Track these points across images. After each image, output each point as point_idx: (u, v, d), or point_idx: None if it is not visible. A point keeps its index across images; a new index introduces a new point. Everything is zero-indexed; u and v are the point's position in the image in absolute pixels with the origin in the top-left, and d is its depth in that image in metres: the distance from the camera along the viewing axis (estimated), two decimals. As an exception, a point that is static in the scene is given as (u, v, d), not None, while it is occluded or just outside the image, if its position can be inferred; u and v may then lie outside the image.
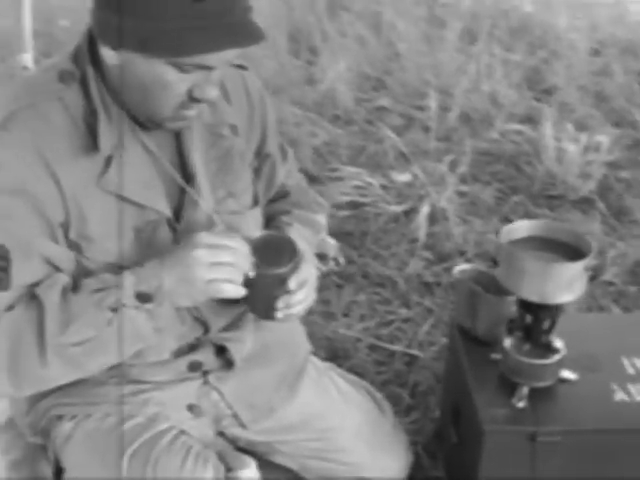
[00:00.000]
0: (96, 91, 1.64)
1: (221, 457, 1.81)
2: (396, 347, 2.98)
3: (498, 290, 2.16)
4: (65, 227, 1.64)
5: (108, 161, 1.64)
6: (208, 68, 1.57)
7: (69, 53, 1.68)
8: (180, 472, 1.71)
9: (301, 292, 1.74)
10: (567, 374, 2.16)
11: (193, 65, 1.54)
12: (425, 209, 3.71)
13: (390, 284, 3.36)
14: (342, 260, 2.10)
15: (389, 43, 5.54)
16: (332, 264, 2.06)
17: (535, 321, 2.07)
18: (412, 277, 3.40)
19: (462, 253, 3.53)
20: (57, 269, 1.65)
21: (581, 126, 4.56)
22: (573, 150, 4.20)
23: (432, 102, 4.61)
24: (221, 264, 1.60)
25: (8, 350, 1.58)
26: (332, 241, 2.10)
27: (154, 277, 1.60)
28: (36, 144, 1.59)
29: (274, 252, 1.70)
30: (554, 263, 1.97)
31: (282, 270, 1.68)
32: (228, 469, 1.78)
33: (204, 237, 1.61)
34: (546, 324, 2.08)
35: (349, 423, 2.13)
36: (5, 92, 1.69)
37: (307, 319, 2.95)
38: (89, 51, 1.65)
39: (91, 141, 1.63)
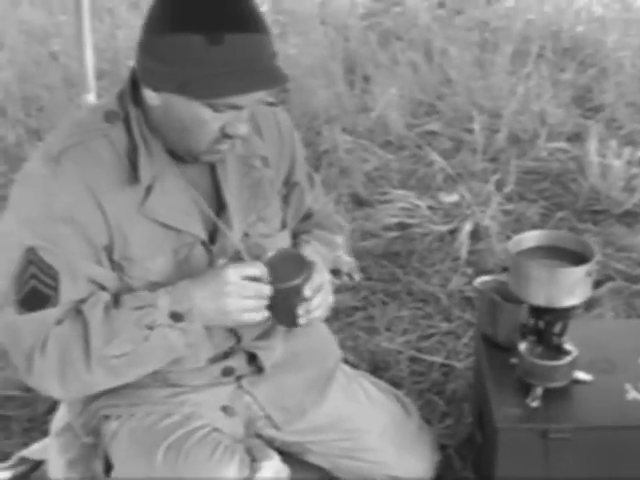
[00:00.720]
0: (137, 129, 1.86)
1: (248, 451, 1.99)
2: (435, 358, 3.12)
3: (516, 299, 2.30)
4: (109, 250, 1.86)
5: (148, 190, 1.86)
6: (239, 108, 1.79)
7: (115, 94, 1.92)
8: (208, 461, 1.90)
9: (317, 298, 1.92)
10: (582, 375, 2.29)
11: (226, 105, 1.77)
12: (468, 227, 3.85)
13: (433, 300, 3.51)
14: (357, 276, 2.26)
15: (441, 69, 5.67)
16: (346, 279, 2.22)
17: (546, 325, 2.21)
18: (454, 293, 3.53)
19: (505, 269, 3.65)
20: (102, 287, 1.87)
21: (628, 142, 4.64)
22: (617, 165, 4.29)
23: (477, 125, 4.73)
24: (249, 296, 1.82)
25: (58, 359, 1.79)
26: (348, 259, 2.27)
27: (186, 299, 1.81)
28: (84, 177, 1.81)
29: (288, 266, 1.89)
30: (556, 269, 2.11)
31: (295, 282, 1.87)
32: (253, 460, 1.95)
33: (233, 272, 1.82)
34: (557, 328, 2.22)
35: (375, 424, 2.31)
36: (58, 130, 1.92)
37: (352, 334, 3.13)
38: (132, 92, 1.88)
39: (132, 173, 1.85)
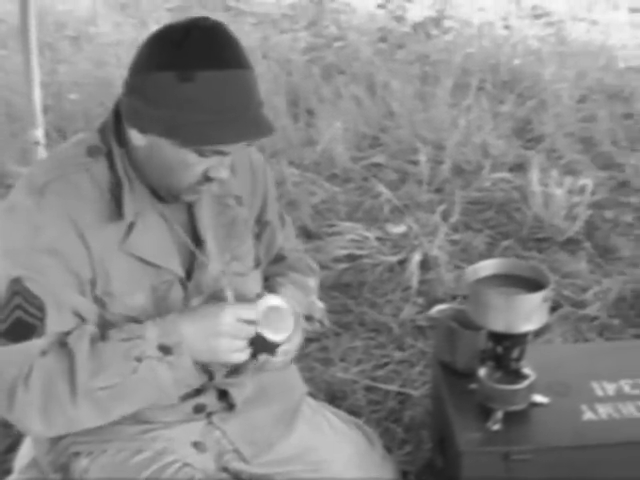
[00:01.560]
0: (121, 165, 1.88)
1: (220, 484, 2.02)
2: (391, 387, 3.17)
3: (474, 326, 2.37)
4: (92, 284, 1.87)
5: (130, 227, 1.88)
6: (224, 154, 1.83)
7: (96, 128, 1.94)
8: (183, 496, 1.91)
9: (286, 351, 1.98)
10: (539, 398, 2.34)
11: (212, 151, 1.80)
12: (417, 257, 3.92)
13: (385, 330, 3.56)
14: (327, 322, 2.33)
15: (383, 102, 5.77)
16: (318, 325, 2.29)
17: (504, 350, 2.27)
18: (406, 322, 3.60)
19: (454, 297, 3.73)
20: (84, 320, 1.87)
21: (568, 171, 4.78)
22: (559, 194, 4.40)
23: (422, 156, 4.83)
24: (241, 337, 1.86)
25: (42, 392, 1.78)
26: (320, 304, 2.34)
27: (175, 333, 1.82)
28: (68, 210, 1.82)
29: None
30: (514, 296, 2.18)
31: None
32: (225, 495, 1.98)
33: (230, 313, 1.84)
34: (515, 353, 2.28)
35: (340, 455, 2.33)
36: (40, 163, 1.95)
37: (308, 365, 3.17)
38: (115, 128, 1.89)
39: (115, 209, 1.86)
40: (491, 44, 6.79)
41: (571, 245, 4.23)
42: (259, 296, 1.96)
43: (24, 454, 2.37)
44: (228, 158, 1.86)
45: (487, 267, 2.32)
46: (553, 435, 2.27)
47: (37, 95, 3.89)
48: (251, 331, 1.86)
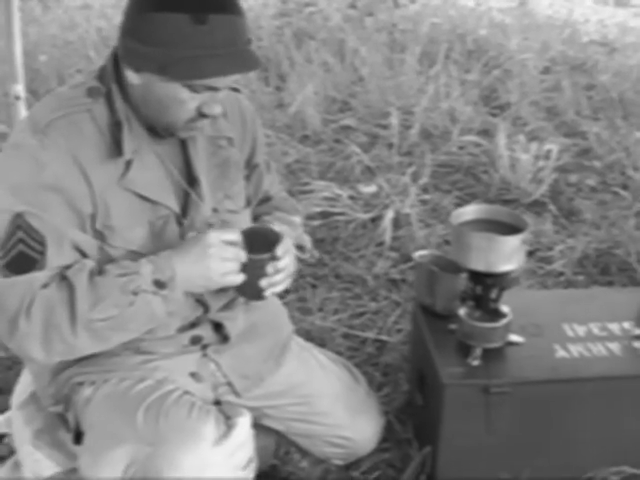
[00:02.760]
0: (120, 105, 1.98)
1: (220, 410, 2.12)
2: (367, 334, 3.30)
3: (453, 269, 2.50)
4: (92, 219, 1.96)
5: (128, 164, 1.98)
6: (215, 89, 1.93)
7: (94, 72, 2.03)
8: (187, 419, 2.01)
9: (281, 274, 2.07)
10: (515, 338, 2.49)
11: (203, 86, 1.90)
12: (390, 214, 4.05)
13: (360, 282, 3.68)
14: (316, 253, 2.43)
15: (353, 68, 5.87)
16: (309, 255, 2.39)
17: (484, 290, 2.41)
18: (380, 275, 3.72)
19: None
20: (83, 255, 1.97)
21: (533, 138, 4.92)
22: (525, 159, 4.55)
23: (394, 120, 4.95)
24: (229, 259, 1.96)
25: (43, 322, 1.87)
26: (307, 237, 2.45)
27: (168, 268, 1.93)
28: (70, 148, 1.91)
29: (259, 240, 2.04)
30: (496, 237, 2.31)
31: (266, 255, 2.01)
32: (227, 417, 2.08)
33: (214, 236, 1.96)
34: (494, 293, 2.41)
35: (328, 390, 2.46)
36: (42, 104, 2.02)
37: (287, 314, 3.27)
38: (113, 70, 1.99)
39: (114, 147, 1.96)
40: (457, 15, 6.90)
41: (537, 207, 4.37)
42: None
43: (21, 390, 2.45)
44: (220, 94, 1.95)
45: (470, 212, 2.46)
46: (530, 370, 2.42)
47: (18, 52, 3.93)
48: (238, 252, 1.96)
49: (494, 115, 5.38)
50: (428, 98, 5.37)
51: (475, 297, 2.44)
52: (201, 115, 1.96)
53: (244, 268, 1.98)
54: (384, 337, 3.28)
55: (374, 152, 4.90)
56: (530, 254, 3.84)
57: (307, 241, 2.43)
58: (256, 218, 2.37)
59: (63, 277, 1.91)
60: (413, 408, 2.75)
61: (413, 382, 2.76)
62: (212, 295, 2.16)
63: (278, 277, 2.07)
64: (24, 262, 1.89)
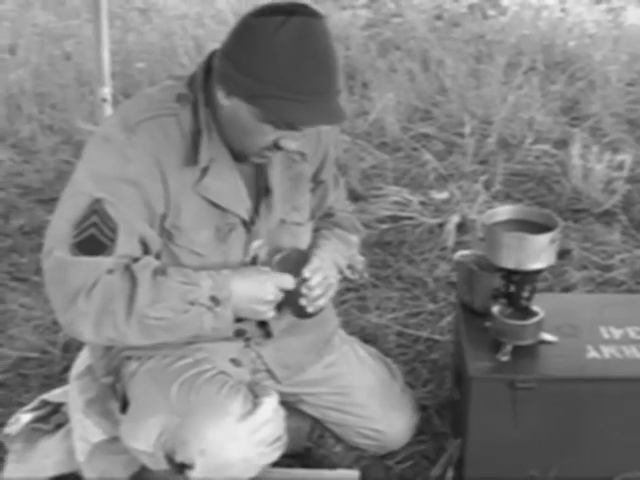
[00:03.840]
0: (204, 116, 2.12)
1: (251, 389, 2.25)
2: (420, 333, 3.39)
3: (491, 268, 2.58)
4: (163, 218, 2.12)
5: (204, 171, 2.13)
6: (297, 129, 2.05)
7: (185, 78, 2.18)
8: (217, 396, 2.16)
9: (317, 289, 2.25)
10: (548, 337, 2.55)
11: (287, 125, 2.02)
12: (455, 219, 4.13)
13: (420, 284, 3.78)
14: (366, 275, 2.56)
15: (436, 78, 5.95)
16: (357, 276, 2.53)
17: (516, 288, 2.48)
18: (440, 278, 3.81)
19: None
20: (146, 250, 2.12)
21: (611, 149, 4.91)
22: (598, 169, 4.56)
23: (468, 129, 5.02)
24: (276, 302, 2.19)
25: (100, 306, 2.02)
26: (361, 258, 2.58)
27: (226, 288, 2.10)
28: (155, 150, 2.07)
29: (292, 265, 2.24)
30: (525, 235, 2.39)
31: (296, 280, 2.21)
32: (255, 396, 2.21)
33: (273, 284, 2.18)
34: (525, 292, 2.49)
35: (364, 383, 2.58)
36: (133, 102, 2.19)
37: (345, 311, 3.40)
38: (203, 81, 2.13)
39: (193, 154, 2.11)
40: (546, 26, 6.91)
41: (607, 217, 4.38)
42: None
43: (80, 363, 2.64)
44: (299, 134, 2.08)
45: (502, 212, 2.54)
46: (557, 368, 2.48)
47: (106, 58, 4.13)
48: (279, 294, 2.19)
49: (573, 126, 5.39)
50: (508, 108, 5.41)
51: (507, 295, 2.51)
52: (276, 147, 2.08)
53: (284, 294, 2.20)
54: (436, 336, 3.36)
55: (450, 160, 4.98)
56: (592, 263, 3.87)
57: (360, 262, 2.55)
58: (316, 231, 2.50)
59: (127, 268, 2.05)
60: (452, 403, 2.83)
61: (453, 378, 2.84)
62: None
63: (314, 293, 2.25)
64: (94, 245, 2.03)
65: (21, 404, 2.89)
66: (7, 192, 4.84)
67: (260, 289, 2.15)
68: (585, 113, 5.59)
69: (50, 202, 4.53)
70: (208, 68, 2.12)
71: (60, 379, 3.06)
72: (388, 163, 4.95)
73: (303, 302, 2.25)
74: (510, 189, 4.66)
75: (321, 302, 2.29)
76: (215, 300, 2.08)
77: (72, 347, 3.29)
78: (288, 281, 2.19)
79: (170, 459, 2.15)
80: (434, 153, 5.00)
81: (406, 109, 5.62)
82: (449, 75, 5.92)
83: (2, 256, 4.15)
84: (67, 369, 2.97)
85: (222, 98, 2.04)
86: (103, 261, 2.03)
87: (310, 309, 2.27)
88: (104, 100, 4.23)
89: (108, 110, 4.23)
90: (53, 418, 2.71)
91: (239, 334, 2.34)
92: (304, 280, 2.22)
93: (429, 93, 5.82)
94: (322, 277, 2.27)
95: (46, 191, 4.78)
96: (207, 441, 2.07)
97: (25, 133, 5.54)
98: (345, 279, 2.51)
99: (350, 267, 2.49)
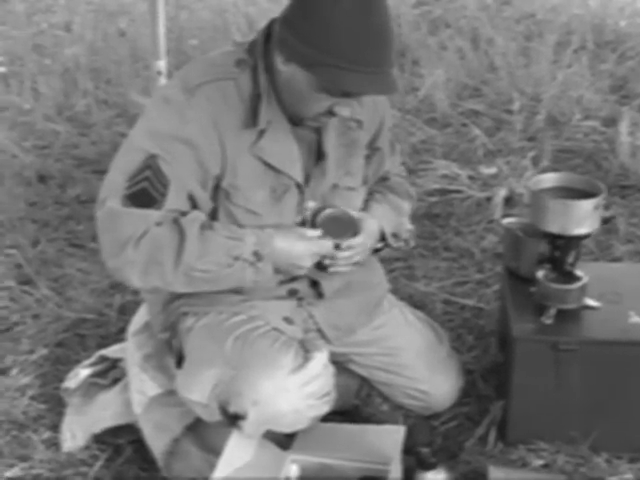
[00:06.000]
0: (263, 80, 2.20)
1: (302, 345, 2.35)
2: (466, 301, 3.46)
3: (537, 235, 2.64)
4: (219, 179, 2.22)
5: (261, 133, 2.22)
6: (351, 97, 2.14)
7: (245, 44, 2.26)
8: (269, 350, 2.26)
9: (346, 259, 2.34)
10: (591, 302, 2.61)
11: (341, 92, 2.11)
12: (502, 193, 4.19)
13: (468, 255, 3.84)
14: (412, 243, 2.62)
15: (486, 56, 5.97)
16: (402, 244, 2.59)
17: (560, 253, 2.55)
18: (488, 249, 3.86)
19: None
20: (195, 208, 2.22)
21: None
22: (647, 145, 4.59)
23: (517, 106, 5.06)
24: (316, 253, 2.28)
25: (148, 255, 2.12)
26: (410, 226, 2.63)
27: (268, 245, 2.20)
28: (213, 112, 2.16)
29: (336, 225, 2.33)
30: (569, 201, 2.46)
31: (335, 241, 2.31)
32: (307, 351, 2.31)
33: (317, 246, 2.28)
34: (570, 257, 2.55)
35: (412, 345, 2.67)
36: (194, 66, 2.29)
37: (393, 278, 3.47)
38: (263, 47, 2.21)
39: (251, 117, 2.20)
40: (597, 5, 6.89)
41: (654, 193, 4.41)
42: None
43: (137, 320, 2.75)
44: (354, 101, 2.17)
45: (548, 179, 2.61)
46: (600, 331, 2.55)
47: (161, 32, 4.23)
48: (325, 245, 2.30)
49: (622, 104, 5.38)
50: (557, 86, 5.43)
51: (552, 260, 2.58)
52: (330, 113, 2.16)
53: None
54: (482, 305, 3.43)
55: (499, 136, 5.01)
56: (637, 237, 3.91)
57: (407, 230, 2.61)
58: (370, 194, 2.58)
59: (175, 221, 2.15)
60: (496, 367, 2.90)
61: (498, 342, 2.91)
62: None
63: (339, 262, 2.35)
64: (145, 198, 2.14)
65: (79, 362, 3.00)
66: (63, 163, 4.94)
67: (298, 253, 2.25)
68: (634, 92, 5.57)
69: (105, 173, 4.64)
70: (268, 34, 2.20)
71: (116, 339, 3.14)
72: (437, 138, 5.00)
73: (327, 262, 2.33)
74: (558, 165, 4.67)
75: (341, 270, 2.37)
76: (258, 255, 2.17)
77: (128, 309, 3.40)
78: (326, 247, 2.28)
79: (224, 410, 2.25)
80: (483, 129, 5.03)
81: (455, 86, 5.65)
82: (499, 53, 5.92)
83: (60, 224, 4.27)
84: (123, 330, 3.08)
85: (280, 64, 2.12)
86: (152, 214, 2.13)
87: (330, 269, 2.35)
88: (159, 73, 4.33)
89: (163, 83, 4.32)
90: (110, 373, 2.82)
91: (292, 294, 2.44)
92: (338, 247, 2.30)
93: (479, 71, 5.84)
94: (353, 254, 2.35)
95: (102, 162, 4.86)
96: (260, 392, 2.17)
97: (80, 107, 5.64)
98: (387, 246, 2.57)
99: (395, 235, 2.55)
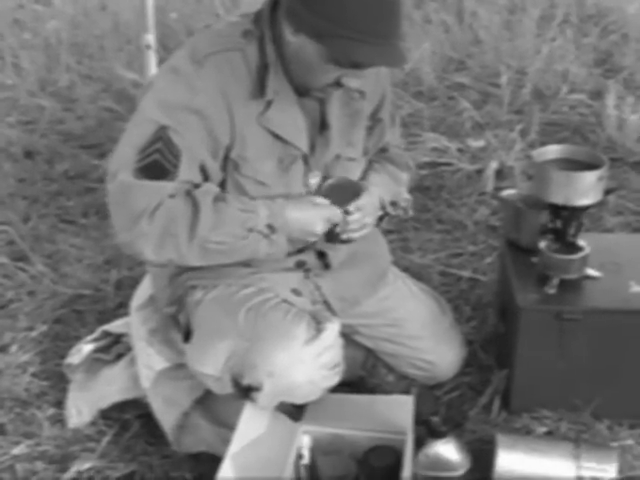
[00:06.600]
0: (270, 51, 2.20)
1: (313, 316, 2.36)
2: (462, 272, 3.49)
3: (537, 206, 2.67)
4: (229, 149, 2.21)
5: (268, 104, 2.22)
6: (360, 68, 2.13)
7: (251, 15, 2.25)
8: (282, 321, 2.27)
9: (357, 223, 2.34)
10: (592, 272, 2.65)
11: (350, 63, 2.10)
12: (493, 165, 4.21)
13: (461, 227, 3.87)
14: (411, 212, 2.63)
15: (471, 29, 5.99)
16: (401, 212, 2.61)
17: (563, 224, 2.57)
18: (480, 222, 3.90)
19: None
20: (206, 179, 2.22)
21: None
22: (633, 119, 4.62)
23: (504, 79, 5.08)
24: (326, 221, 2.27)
25: (162, 228, 2.11)
26: (408, 196, 2.64)
27: (281, 216, 2.20)
28: (221, 83, 2.16)
29: (341, 193, 2.33)
30: (573, 172, 2.49)
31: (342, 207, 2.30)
32: (318, 322, 2.32)
33: (327, 214, 2.27)
34: (572, 228, 2.58)
35: (417, 316, 2.69)
36: (201, 37, 2.28)
37: (389, 250, 3.48)
38: (270, 17, 2.21)
39: (259, 87, 2.19)
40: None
41: (641, 166, 4.45)
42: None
43: (140, 295, 2.74)
44: (362, 73, 2.16)
45: (552, 151, 2.63)
46: (602, 300, 2.58)
47: (150, 4, 4.22)
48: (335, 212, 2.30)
49: (607, 77, 5.42)
50: (542, 59, 5.46)
51: (554, 231, 2.61)
52: (338, 84, 2.16)
53: None
54: (478, 276, 3.46)
55: (485, 109, 5.04)
56: (627, 209, 3.96)
57: (406, 200, 2.62)
58: (369, 164, 2.59)
59: (189, 193, 2.14)
60: (496, 337, 2.93)
61: (498, 313, 2.94)
62: None
63: (352, 227, 2.34)
64: (157, 170, 2.13)
65: (78, 338, 3.01)
66: (49, 139, 4.91)
67: (311, 220, 2.25)
68: (619, 65, 5.62)
69: (93, 148, 4.64)
70: (274, 4, 2.20)
71: (115, 315, 3.16)
72: (425, 111, 5.01)
73: (338, 229, 2.33)
74: (546, 138, 4.70)
75: (355, 235, 2.38)
76: (271, 228, 2.18)
77: (124, 285, 3.42)
78: (337, 214, 2.28)
79: (236, 383, 2.25)
80: (470, 102, 5.05)
81: (441, 60, 5.67)
82: (483, 27, 5.95)
83: (50, 200, 4.25)
84: (121, 305, 3.10)
85: (289, 35, 2.12)
86: (165, 185, 2.12)
87: (344, 236, 2.36)
88: (148, 47, 4.30)
89: (152, 56, 4.30)
90: (114, 348, 2.82)
91: (299, 265, 2.45)
92: (347, 212, 2.31)
93: (464, 44, 5.87)
94: (363, 215, 2.36)
95: (88, 137, 4.85)
96: (275, 363, 2.18)
97: (64, 82, 5.61)
98: (387, 214, 2.58)
99: (394, 203, 2.57)
